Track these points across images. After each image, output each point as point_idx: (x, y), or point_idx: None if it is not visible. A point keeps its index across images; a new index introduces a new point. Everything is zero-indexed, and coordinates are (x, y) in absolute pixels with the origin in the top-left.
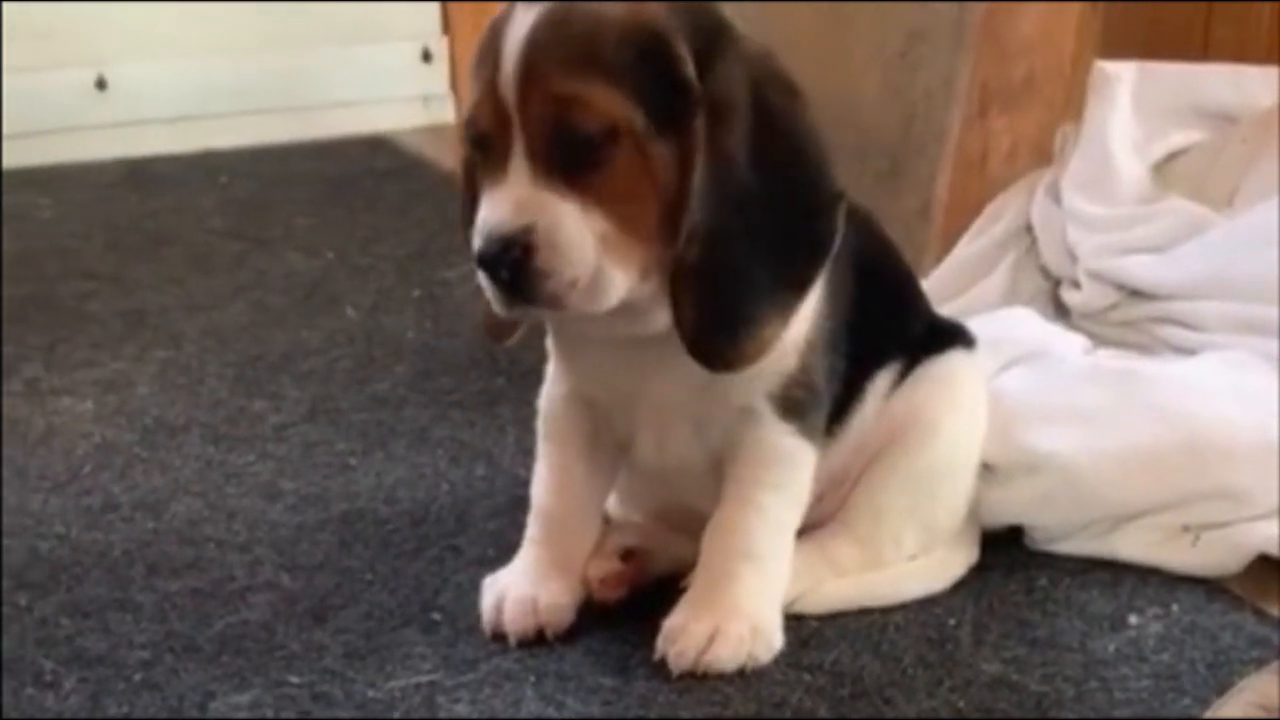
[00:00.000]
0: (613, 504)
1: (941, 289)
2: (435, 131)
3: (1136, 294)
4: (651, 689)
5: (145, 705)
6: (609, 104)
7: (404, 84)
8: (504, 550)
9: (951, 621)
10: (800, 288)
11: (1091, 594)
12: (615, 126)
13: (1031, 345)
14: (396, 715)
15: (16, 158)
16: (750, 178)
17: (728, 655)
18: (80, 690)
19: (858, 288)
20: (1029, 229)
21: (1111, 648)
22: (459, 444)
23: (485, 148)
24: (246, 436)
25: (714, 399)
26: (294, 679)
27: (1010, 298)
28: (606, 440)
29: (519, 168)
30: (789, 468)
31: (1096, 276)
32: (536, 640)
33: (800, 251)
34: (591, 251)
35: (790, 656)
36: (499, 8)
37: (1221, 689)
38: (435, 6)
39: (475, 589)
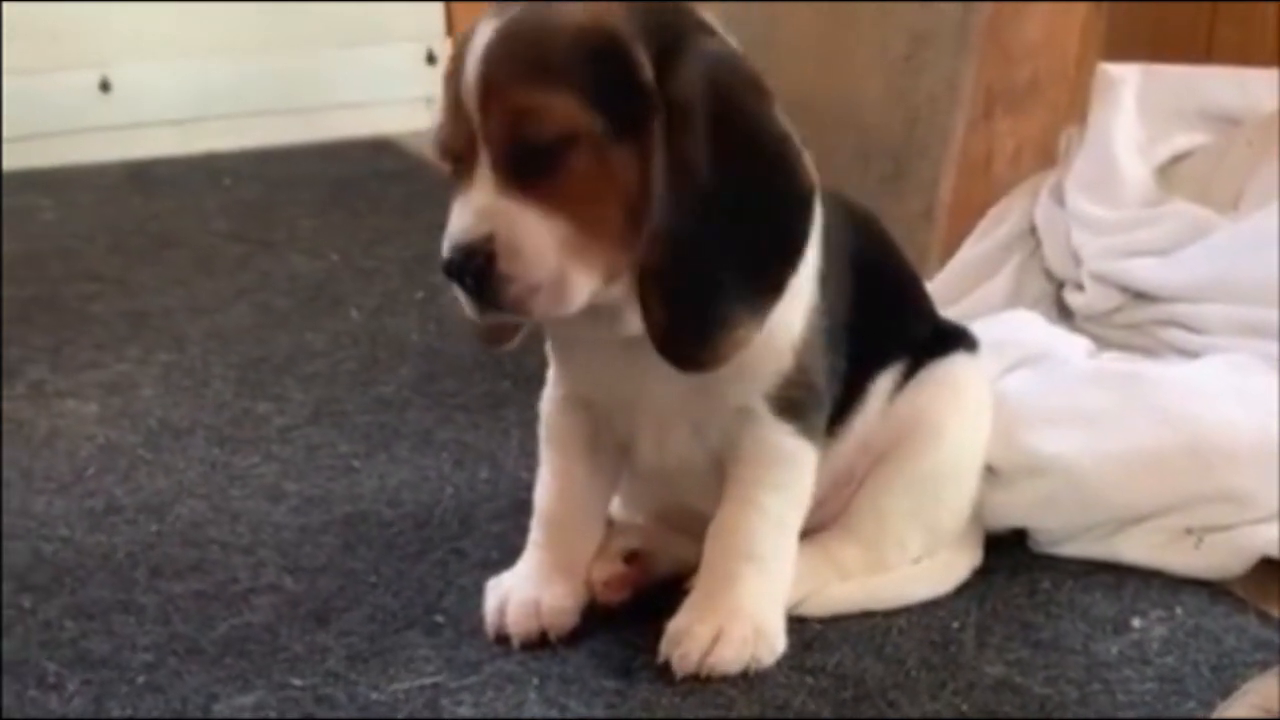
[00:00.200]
0: (616, 507)
1: (945, 291)
2: None
3: (1140, 296)
4: (655, 691)
5: (149, 707)
6: (564, 111)
7: (408, 86)
8: (507, 553)
9: (955, 624)
10: (774, 287)
11: (1095, 596)
12: (571, 133)
13: (1035, 348)
14: (400, 717)
15: (20, 159)
16: (713, 178)
17: (731, 657)
18: (83, 692)
19: (858, 288)
20: (1033, 231)
21: (1115, 650)
22: (463, 446)
23: (453, 159)
24: (250, 438)
25: (711, 400)
26: (297, 681)
27: (1014, 300)
28: (607, 442)
29: (483, 177)
30: (790, 468)
31: (1100, 279)
32: (539, 643)
33: (771, 250)
34: (553, 256)
35: (793, 659)
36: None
37: (1225, 692)
38: (439, 8)
39: (479, 591)
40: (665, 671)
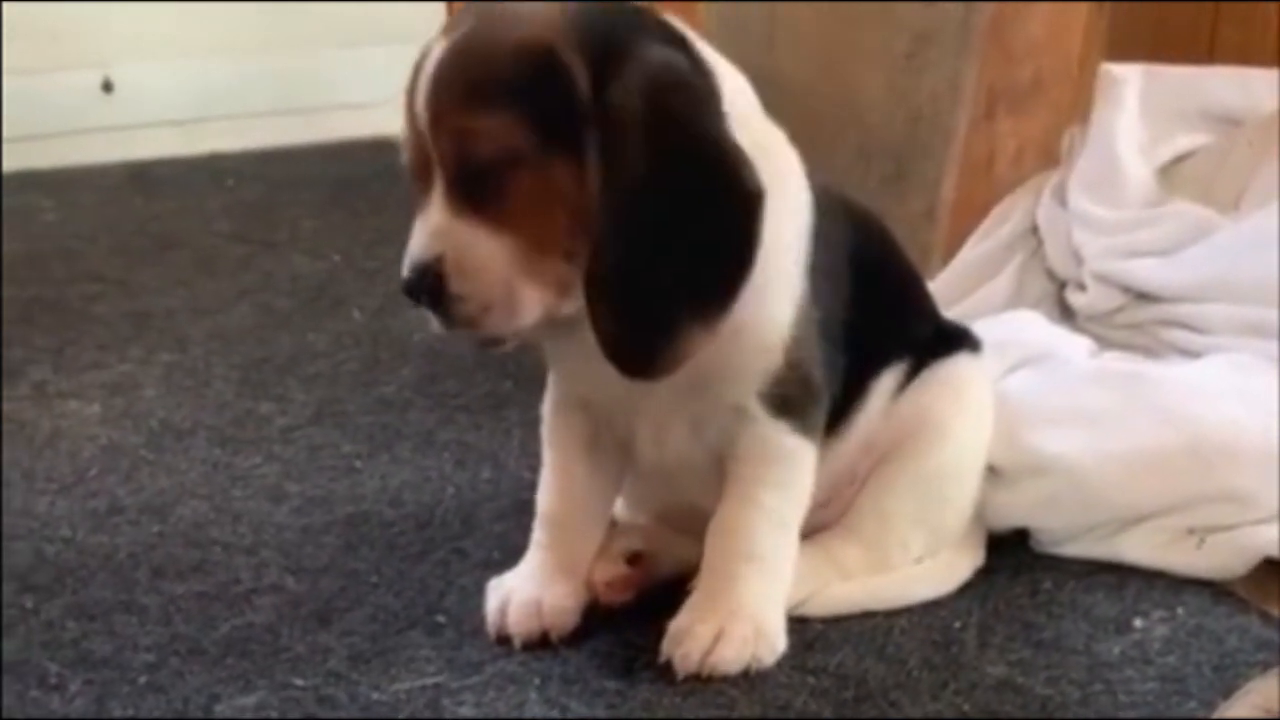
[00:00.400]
0: (620, 507)
1: (947, 291)
2: None
3: (1142, 296)
4: (656, 692)
5: (150, 708)
6: (500, 132)
7: None
8: (509, 553)
9: (956, 624)
10: (724, 293)
11: (1097, 597)
12: (510, 153)
13: (1037, 348)
14: (401, 717)
15: (22, 160)
16: (650, 187)
17: (732, 656)
18: (85, 693)
19: (857, 286)
20: (1035, 231)
21: (1117, 650)
22: (465, 447)
23: (415, 179)
24: (252, 439)
25: (705, 399)
26: (299, 681)
27: (1016, 300)
28: (608, 443)
29: (438, 198)
30: (788, 466)
31: (1102, 279)
32: (541, 643)
33: (717, 257)
34: (502, 274)
35: (795, 659)
36: None
37: (1227, 691)
38: (440, 8)
39: (480, 592)
40: (667, 671)
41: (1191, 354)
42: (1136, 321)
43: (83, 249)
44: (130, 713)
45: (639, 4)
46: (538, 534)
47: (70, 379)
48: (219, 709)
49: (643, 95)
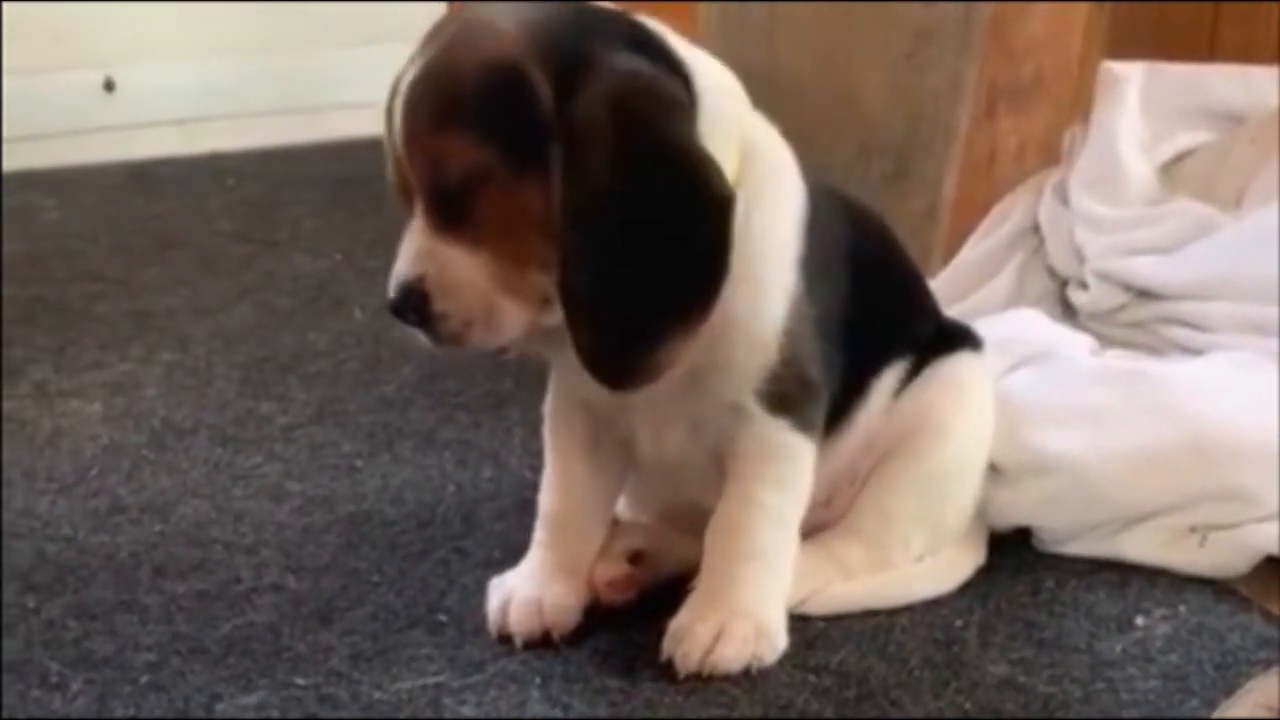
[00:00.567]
0: (622, 506)
1: (949, 290)
2: None
3: (1144, 294)
4: (657, 691)
5: (152, 707)
6: (468, 152)
7: None
8: (510, 552)
9: (958, 623)
10: (699, 300)
11: (1099, 595)
12: (477, 173)
13: (1039, 346)
14: (402, 717)
15: (23, 160)
16: (615, 197)
17: (733, 655)
18: (87, 692)
19: (856, 283)
20: (1036, 230)
21: (1119, 649)
22: (466, 446)
23: (398, 200)
24: (253, 438)
25: (702, 398)
26: (300, 681)
27: (1017, 298)
28: (609, 443)
29: (419, 218)
30: (787, 463)
31: (1104, 277)
32: (542, 642)
33: (689, 264)
34: (482, 291)
35: (796, 658)
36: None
37: (1229, 690)
38: (441, 7)
39: (481, 591)
40: (668, 670)
41: (1193, 352)
42: (1138, 319)
43: (84, 248)
44: (132, 712)
45: (614, 7)
46: (539, 533)
47: (71, 378)
48: (220, 708)
49: (606, 106)
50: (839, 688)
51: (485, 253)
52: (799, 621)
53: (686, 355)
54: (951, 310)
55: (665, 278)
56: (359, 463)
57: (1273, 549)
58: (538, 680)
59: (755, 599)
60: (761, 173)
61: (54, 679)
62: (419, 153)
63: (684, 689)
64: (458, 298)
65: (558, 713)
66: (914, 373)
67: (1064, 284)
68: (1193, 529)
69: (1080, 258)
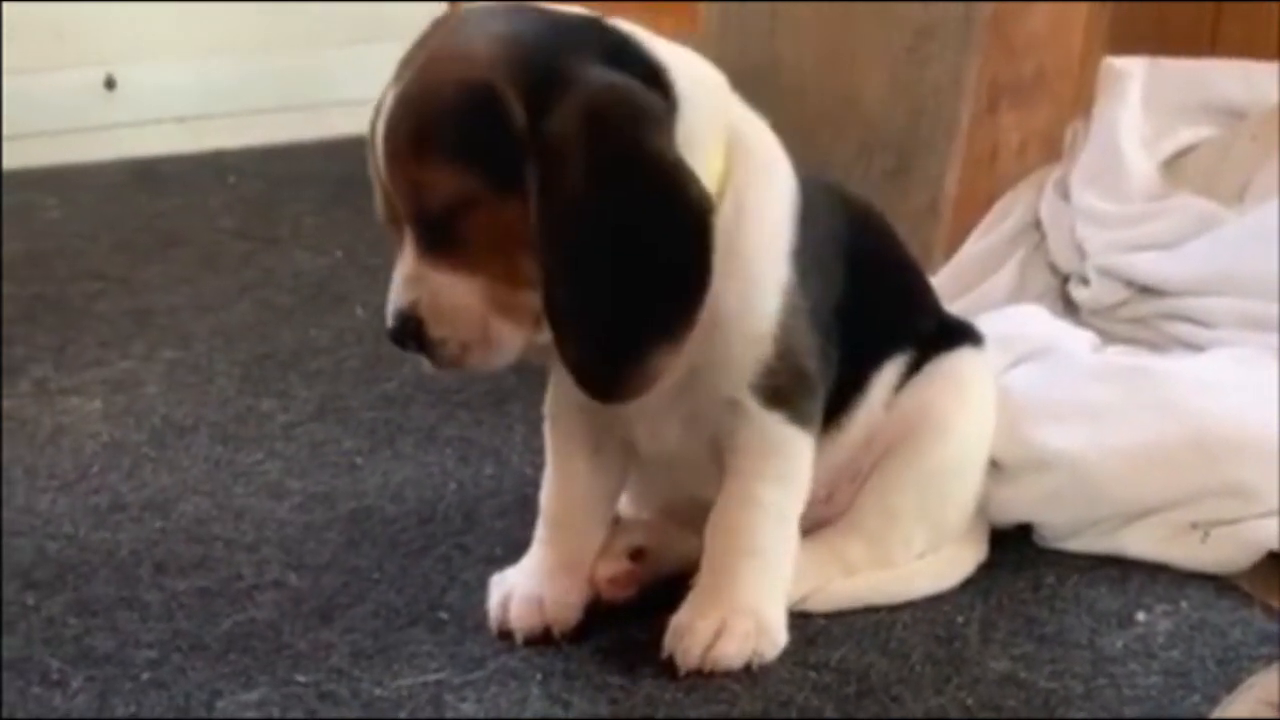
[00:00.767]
0: (624, 503)
1: (950, 286)
2: None
3: (1146, 290)
4: (658, 687)
5: (152, 704)
6: (449, 179)
7: None
8: (511, 549)
9: (959, 619)
10: (682, 309)
11: (1100, 591)
12: (461, 198)
13: (1040, 342)
14: (403, 714)
15: (24, 158)
16: (594, 211)
17: (734, 651)
18: (87, 689)
19: (853, 278)
20: (1038, 225)
21: (1120, 645)
22: (467, 443)
23: (387, 227)
24: (254, 435)
25: (698, 394)
26: (301, 678)
27: (1019, 294)
28: (609, 440)
29: (408, 245)
30: (785, 458)
31: (1105, 273)
32: (543, 639)
33: (670, 275)
34: (476, 315)
35: (797, 654)
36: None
37: (1230, 686)
38: (441, 6)
39: (483, 587)
40: (669, 667)
41: (1195, 348)
42: (1140, 315)
43: (85, 246)
44: (132, 709)
45: (590, 15)
46: (540, 531)
47: (72, 376)
48: (221, 705)
49: (578, 120)
50: (840, 684)
51: (477, 275)
52: (800, 618)
53: (675, 365)
54: (953, 306)
55: (646, 291)
56: (360, 460)
57: (1274, 545)
58: (538, 677)
59: (756, 595)
60: (749, 165)
61: (54, 676)
62: (401, 182)
63: (685, 686)
64: (453, 322)
65: (558, 709)
66: (915, 368)
67: (1065, 280)
68: (1194, 525)
69: (1082, 253)
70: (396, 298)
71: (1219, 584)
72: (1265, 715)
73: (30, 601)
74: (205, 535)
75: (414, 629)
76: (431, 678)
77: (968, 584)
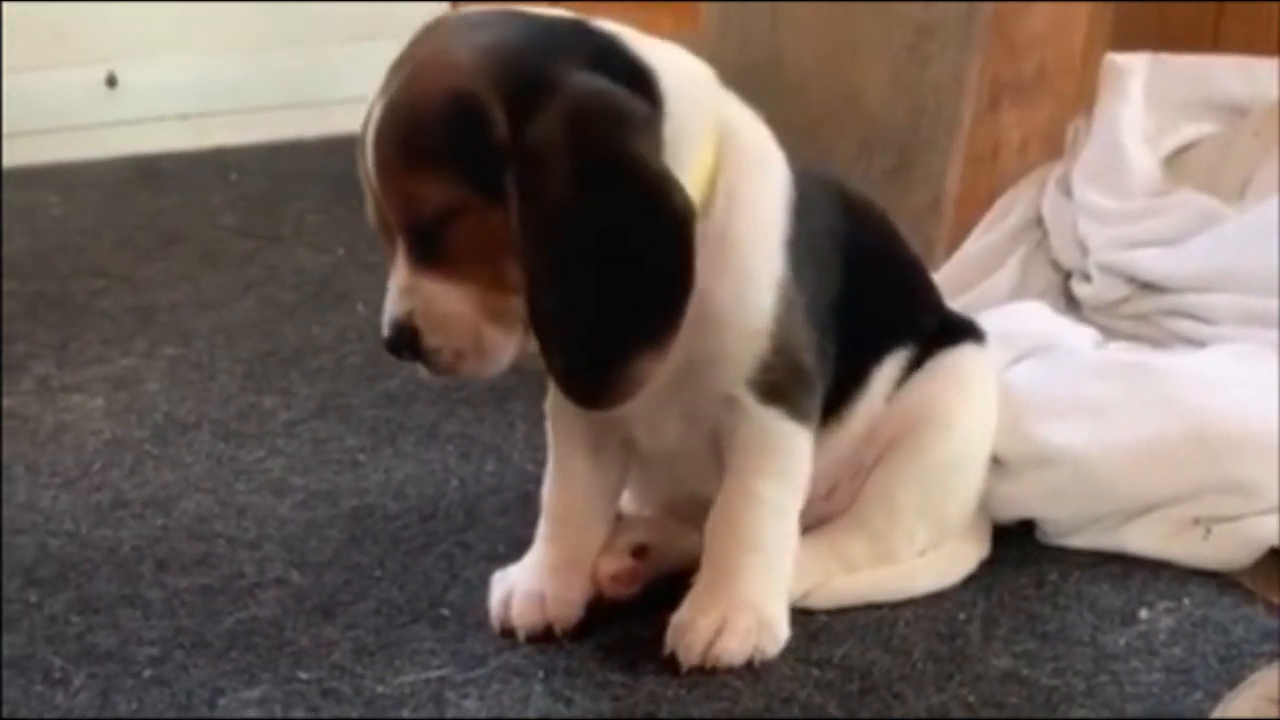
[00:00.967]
0: (626, 500)
1: (952, 283)
2: None
3: (1147, 287)
4: (660, 684)
5: (154, 702)
6: (436, 189)
7: None
8: (514, 546)
9: (961, 616)
10: (667, 316)
11: (1102, 588)
12: (449, 208)
13: (1042, 338)
14: (405, 711)
15: (26, 155)
16: (575, 218)
17: (735, 648)
18: (89, 687)
19: (851, 273)
20: (1040, 222)
21: (1122, 641)
22: (468, 440)
23: (380, 238)
24: (256, 433)
25: (695, 391)
26: (303, 675)
27: (1021, 291)
28: (610, 437)
29: (401, 255)
30: (784, 454)
31: (1107, 269)
32: (545, 636)
33: (653, 281)
34: (468, 323)
35: (799, 651)
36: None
37: (1233, 682)
38: (444, 6)
39: (485, 585)
40: (670, 664)
41: (1197, 344)
42: (1142, 312)
43: (87, 244)
44: (134, 707)
45: (575, 18)
46: (542, 528)
47: (74, 373)
48: (223, 702)
49: (559, 127)
50: (842, 681)
51: (467, 283)
52: (801, 615)
53: (660, 371)
54: (955, 303)
55: (628, 297)
56: (362, 457)
57: (1276, 541)
58: (540, 674)
59: (757, 592)
60: (741, 160)
61: (56, 674)
62: (390, 192)
63: (686, 682)
64: (446, 331)
65: (560, 707)
66: (916, 364)
67: (1067, 276)
68: (1196, 521)
69: (1083, 250)
70: (392, 307)
71: (1221, 581)
72: (1267, 712)
73: (32, 599)
74: (207, 532)
75: (416, 626)
76: (434, 675)
77: (970, 581)
